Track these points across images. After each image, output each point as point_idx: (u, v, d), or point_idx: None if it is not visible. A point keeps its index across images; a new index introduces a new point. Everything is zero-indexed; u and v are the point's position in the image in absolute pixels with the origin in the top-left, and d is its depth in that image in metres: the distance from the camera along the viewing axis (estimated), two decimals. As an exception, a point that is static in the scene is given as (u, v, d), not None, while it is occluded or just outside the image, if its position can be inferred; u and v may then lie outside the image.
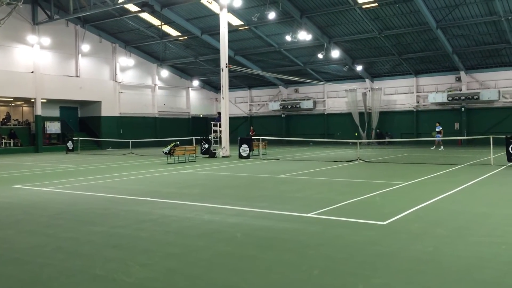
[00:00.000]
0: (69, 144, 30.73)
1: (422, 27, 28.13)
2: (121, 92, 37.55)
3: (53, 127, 34.09)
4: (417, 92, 35.34)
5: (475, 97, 31.85)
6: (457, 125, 33.73)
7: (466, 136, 31.67)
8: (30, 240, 6.73)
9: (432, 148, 27.13)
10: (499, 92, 31.56)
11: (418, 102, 35.37)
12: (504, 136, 17.04)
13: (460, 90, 33.16)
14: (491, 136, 18.06)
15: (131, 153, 28.10)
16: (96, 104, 36.04)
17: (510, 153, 16.28)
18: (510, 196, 10.09)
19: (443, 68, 33.61)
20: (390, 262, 5.35)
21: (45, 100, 32.88)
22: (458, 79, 33.44)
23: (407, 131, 35.12)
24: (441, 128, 27.57)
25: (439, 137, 27.11)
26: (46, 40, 31.89)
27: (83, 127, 37.12)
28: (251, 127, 37.89)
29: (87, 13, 29.52)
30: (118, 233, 7.03)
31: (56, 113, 35.39)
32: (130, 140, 30.16)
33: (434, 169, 15.68)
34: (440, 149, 26.99)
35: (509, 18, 25.58)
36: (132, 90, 38.63)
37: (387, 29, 29.23)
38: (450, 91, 33.37)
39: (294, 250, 5.93)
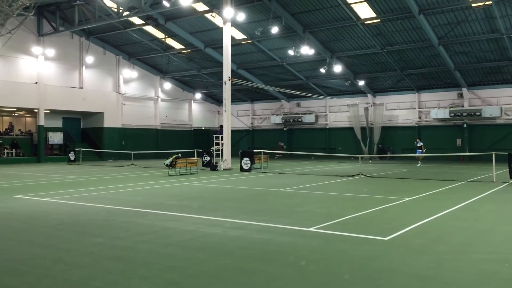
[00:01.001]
0: (71, 155, 30.79)
1: (424, 44, 28.30)
2: (124, 104, 37.72)
3: (56, 138, 34.19)
4: (419, 108, 35.40)
5: (477, 113, 31.86)
6: (459, 142, 33.70)
7: (468, 152, 31.63)
8: (30, 251, 6.70)
9: (418, 165, 27.06)
10: (501, 109, 31.59)
11: (420, 117, 35.41)
12: (507, 153, 17.00)
13: (462, 106, 33.20)
14: (493, 153, 18.03)
15: (133, 164, 28.10)
16: (99, 115, 36.18)
17: (513, 170, 16.22)
18: (512, 213, 10.04)
19: (445, 84, 33.71)
20: (392, 278, 5.31)
21: (48, 111, 33.02)
22: (460, 96, 33.52)
23: (409, 147, 35.04)
24: (421, 144, 27.94)
25: (419, 152, 27.43)
26: (51, 52, 32.16)
27: (85, 138, 37.20)
28: (281, 143, 37.96)
29: (92, 26, 29.84)
30: (118, 245, 7.00)
31: (58, 123, 35.52)
32: (132, 152, 30.20)
33: (436, 185, 15.63)
34: (418, 165, 27.05)
35: (511, 35, 25.73)
36: (135, 102, 38.81)
37: (390, 45, 29.41)
38: (452, 107, 33.41)
39: (295, 265, 5.89)
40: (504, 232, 7.90)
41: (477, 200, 11.88)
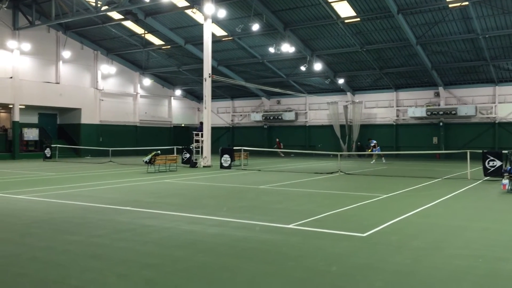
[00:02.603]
0: (47, 152, 30.20)
1: (403, 43, 28.70)
2: (102, 100, 37.16)
3: (31, 134, 33.45)
4: (397, 106, 35.90)
5: (453, 112, 32.53)
6: (435, 140, 34.34)
7: (444, 150, 32.26)
8: (5, 249, 6.55)
9: (383, 162, 27.95)
10: (476, 108, 32.31)
11: (398, 116, 35.93)
12: (481, 151, 17.41)
13: (439, 105, 33.83)
14: (468, 151, 18.43)
15: (111, 161, 27.73)
16: (76, 111, 35.54)
17: (487, 168, 16.62)
18: (486, 210, 10.29)
19: (423, 83, 34.28)
20: (369, 274, 5.38)
21: (23, 106, 32.28)
22: (437, 95, 34.14)
23: (387, 144, 35.54)
24: (375, 142, 29.34)
25: (379, 150, 28.76)
26: (27, 46, 31.43)
27: (61, 134, 36.51)
28: (277, 139, 38.22)
29: (69, 20, 29.24)
30: (95, 242, 6.90)
31: (34, 119, 34.76)
32: (110, 149, 29.78)
33: (412, 182, 15.90)
34: (372, 162, 28.02)
35: (486, 36, 26.31)
36: (113, 98, 38.26)
37: (369, 43, 29.72)
38: (429, 106, 34.01)
39: (274, 262, 5.91)
40: (478, 229, 8.09)
41: (452, 197, 12.12)
